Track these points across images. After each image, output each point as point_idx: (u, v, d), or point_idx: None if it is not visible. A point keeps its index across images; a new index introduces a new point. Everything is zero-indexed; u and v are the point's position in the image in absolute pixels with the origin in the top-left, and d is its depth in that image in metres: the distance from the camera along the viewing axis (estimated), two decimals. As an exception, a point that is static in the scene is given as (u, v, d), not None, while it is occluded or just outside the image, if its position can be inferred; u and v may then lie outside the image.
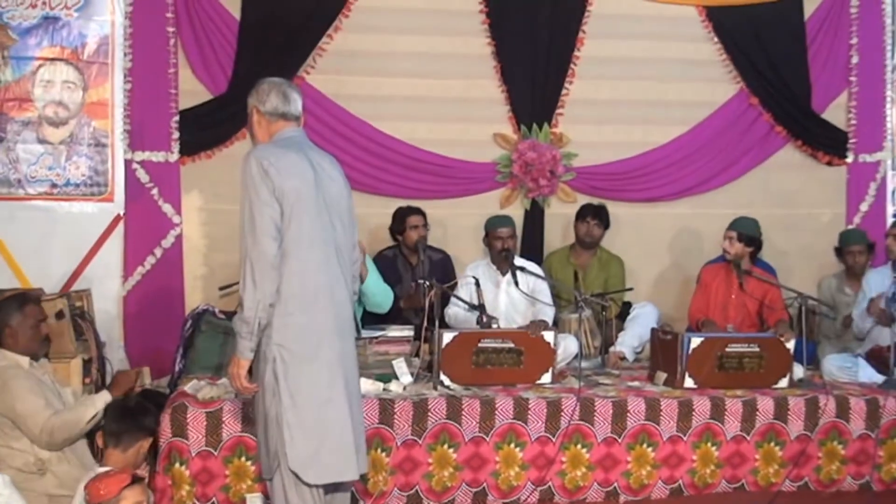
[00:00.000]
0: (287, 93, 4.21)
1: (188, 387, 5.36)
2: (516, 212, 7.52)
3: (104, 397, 4.95)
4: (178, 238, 7.13)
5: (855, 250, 7.11)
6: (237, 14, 7.15)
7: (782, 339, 5.90)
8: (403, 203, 7.17)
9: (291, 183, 3.93)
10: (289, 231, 3.92)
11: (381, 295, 6.21)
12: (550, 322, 6.23)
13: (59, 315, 5.85)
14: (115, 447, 4.50)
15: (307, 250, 3.98)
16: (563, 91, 7.59)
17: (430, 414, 5.26)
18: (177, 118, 7.08)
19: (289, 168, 3.96)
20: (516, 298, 6.56)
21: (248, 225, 3.87)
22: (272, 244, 3.86)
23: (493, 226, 6.70)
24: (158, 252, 7.07)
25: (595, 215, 7.19)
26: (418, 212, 7.02)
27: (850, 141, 7.89)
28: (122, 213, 7.04)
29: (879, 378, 6.07)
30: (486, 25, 7.47)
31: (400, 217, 7.02)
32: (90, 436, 4.91)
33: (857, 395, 5.76)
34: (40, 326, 5.07)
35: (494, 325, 6.05)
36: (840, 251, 7.23)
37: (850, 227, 7.76)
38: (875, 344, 6.35)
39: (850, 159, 7.90)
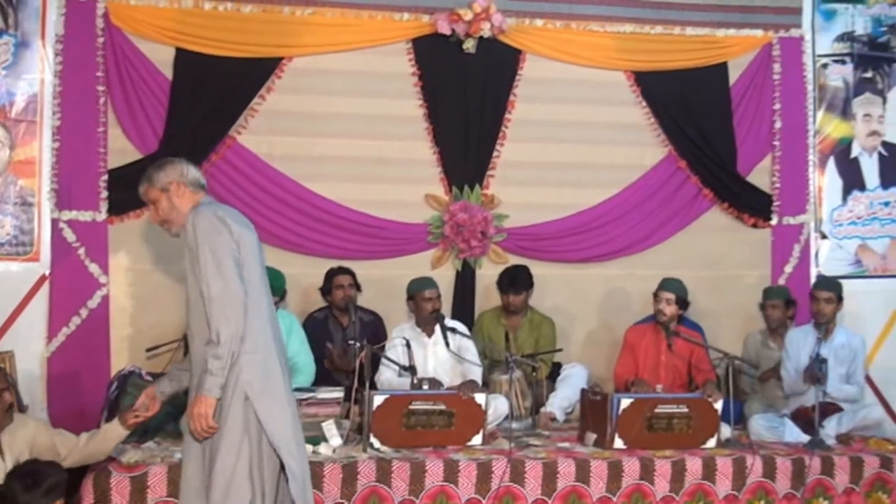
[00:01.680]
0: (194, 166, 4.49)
1: (112, 451, 5.26)
2: (447, 272, 7.56)
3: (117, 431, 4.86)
4: (105, 298, 7.02)
5: (770, 304, 7.24)
6: (169, 73, 7.14)
7: (710, 399, 5.98)
8: (335, 263, 7.16)
9: (243, 231, 4.19)
10: (243, 274, 4.11)
11: (303, 362, 6.26)
12: (479, 380, 6.25)
13: (-19, 377, 5.71)
14: None
15: (257, 294, 4.19)
16: (495, 153, 7.67)
17: (359, 476, 5.24)
18: (105, 177, 7.02)
19: (237, 217, 4.27)
20: (443, 359, 6.57)
21: (213, 269, 4.04)
22: (240, 284, 4.08)
23: (419, 288, 6.69)
24: (84, 312, 6.95)
25: (510, 286, 7.16)
26: (346, 271, 7.03)
27: (775, 204, 8.02)
28: (47, 272, 6.92)
29: (804, 438, 6.15)
30: (419, 88, 7.55)
31: (328, 276, 7.04)
32: None
33: (783, 455, 5.84)
34: (3, 395, 4.91)
35: (425, 387, 6.05)
36: (762, 307, 7.35)
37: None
38: (800, 405, 6.46)
39: (774, 222, 8.03)
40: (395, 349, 6.45)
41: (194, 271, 4.11)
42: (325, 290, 7.05)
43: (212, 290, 4.03)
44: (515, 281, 7.20)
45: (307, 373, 6.37)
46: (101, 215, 7.02)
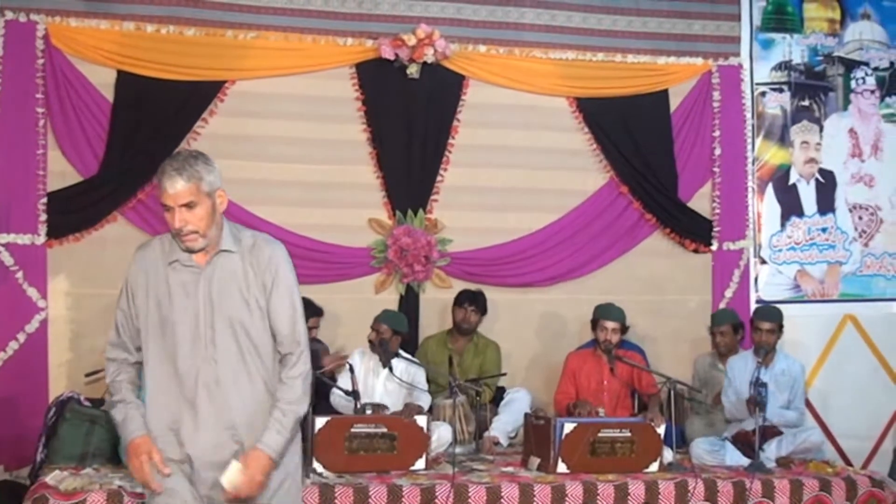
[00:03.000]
0: None
1: (49, 478, 5.20)
2: (391, 297, 7.56)
3: None
4: (43, 323, 6.91)
5: (719, 331, 7.30)
6: (110, 96, 7.09)
7: (652, 423, 6.03)
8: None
9: None
10: None
11: None
12: (426, 408, 6.26)
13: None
14: None
15: None
16: (438, 178, 7.70)
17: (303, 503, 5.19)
18: (45, 200, 6.93)
19: None
20: (392, 389, 6.59)
21: (300, 310, 3.66)
22: None
23: (377, 321, 6.73)
24: (22, 337, 6.84)
25: (472, 302, 7.25)
26: (317, 312, 7.01)
27: (715, 229, 8.11)
28: (-17, 296, 6.84)
29: (745, 461, 6.22)
30: (363, 112, 7.56)
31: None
32: None
33: (725, 478, 5.90)
34: None
35: (368, 411, 6.05)
36: (711, 331, 7.41)
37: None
38: (740, 428, 6.53)
39: (714, 247, 8.11)
40: (344, 374, 6.44)
41: (256, 303, 3.55)
42: None
43: (300, 330, 3.63)
44: (476, 298, 7.26)
45: None
46: (40, 238, 6.93)
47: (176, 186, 3.41)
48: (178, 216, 3.42)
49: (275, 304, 3.56)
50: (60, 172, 7.02)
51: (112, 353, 3.61)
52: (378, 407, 6.25)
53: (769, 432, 6.43)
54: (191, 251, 3.49)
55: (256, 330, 3.54)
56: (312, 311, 6.94)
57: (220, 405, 3.48)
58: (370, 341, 6.70)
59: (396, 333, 6.66)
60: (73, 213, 7.01)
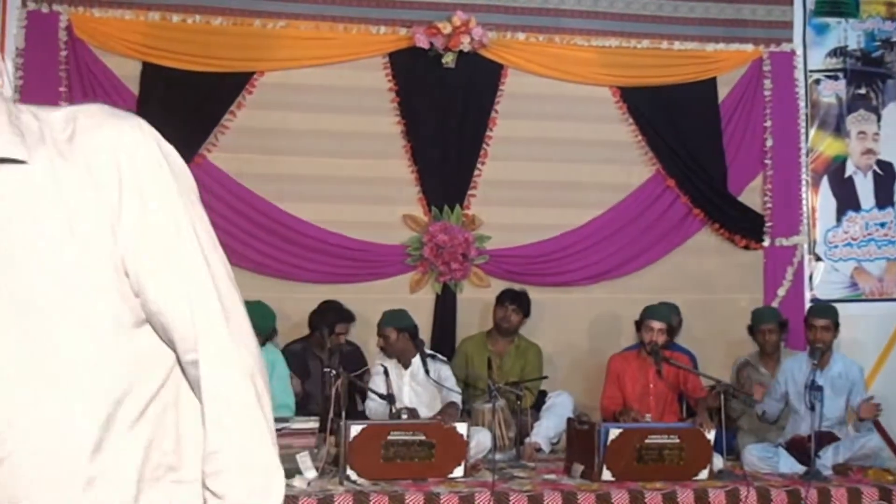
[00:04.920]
0: None
1: None
2: (427, 297, 7.57)
3: None
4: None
5: (765, 329, 7.23)
6: (135, 88, 7.14)
7: (702, 429, 5.98)
8: (308, 287, 7.16)
9: None
10: None
11: (283, 404, 6.24)
12: (459, 404, 6.26)
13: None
14: None
15: None
16: (476, 172, 7.69)
17: (336, 511, 5.21)
18: (67, 198, 6.96)
19: None
20: (420, 390, 6.59)
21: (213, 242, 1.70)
22: None
23: (379, 327, 6.71)
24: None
25: (514, 300, 7.23)
26: (345, 318, 6.94)
27: (767, 225, 8.06)
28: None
29: (800, 468, 6.16)
30: (396, 104, 7.57)
31: (326, 320, 6.84)
32: None
33: (779, 487, 5.84)
34: None
35: (404, 416, 6.05)
36: (752, 330, 7.36)
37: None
38: (795, 434, 6.48)
39: (766, 243, 8.07)
40: (376, 377, 6.46)
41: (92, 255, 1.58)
42: (318, 328, 6.85)
43: (220, 307, 1.67)
44: (519, 297, 7.25)
45: (288, 408, 6.31)
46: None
47: None
48: None
49: (142, 251, 1.60)
50: (84, 168, 7.04)
51: None
52: (411, 413, 6.24)
53: (825, 438, 6.36)
54: None
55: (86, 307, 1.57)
56: (342, 316, 6.94)
57: None
58: (381, 348, 6.70)
59: (402, 331, 6.60)
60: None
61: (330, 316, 6.90)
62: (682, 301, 7.40)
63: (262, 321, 6.05)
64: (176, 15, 7.22)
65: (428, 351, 6.65)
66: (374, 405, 6.48)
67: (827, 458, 6.27)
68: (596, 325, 7.90)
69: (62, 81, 7.02)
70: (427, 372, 6.47)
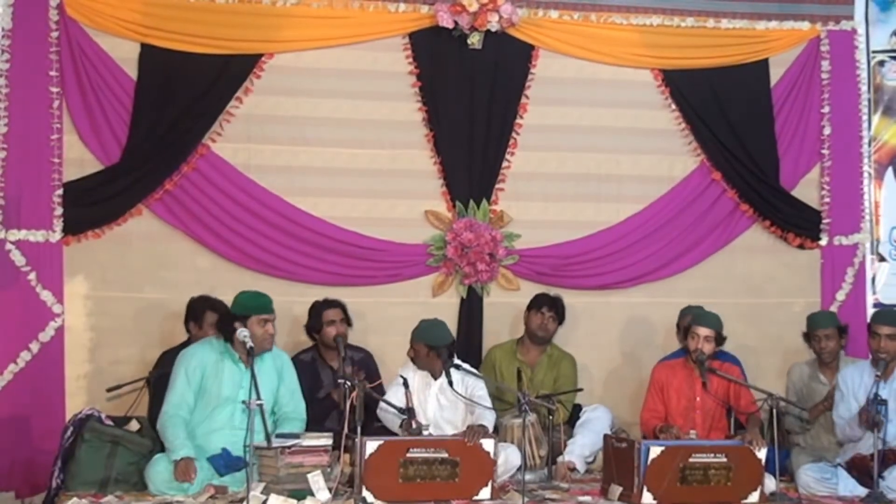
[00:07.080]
0: None
1: (66, 507, 5.19)
2: (451, 300, 7.54)
3: None
4: (59, 330, 6.94)
5: (822, 335, 7.12)
6: (133, 73, 7.12)
7: (752, 447, 5.92)
8: (321, 290, 7.12)
9: None
10: None
11: (294, 410, 6.21)
12: (491, 429, 6.18)
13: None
14: None
15: None
16: (504, 163, 7.66)
17: (350, 536, 5.19)
18: (60, 191, 6.96)
19: None
20: (447, 405, 6.51)
21: None
22: None
23: (412, 338, 6.61)
24: (35, 347, 6.86)
25: (551, 307, 7.21)
26: (335, 304, 6.94)
27: (824, 221, 8.02)
28: (-8, 300, 6.87)
29: (862, 491, 6.12)
30: (417, 89, 7.53)
31: (314, 312, 6.93)
32: None
33: (838, 511, 5.80)
34: None
35: (426, 433, 5.99)
36: (808, 337, 7.25)
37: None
38: (856, 452, 6.38)
39: (824, 242, 8.03)
40: (394, 389, 6.40)
41: None
42: (313, 327, 6.93)
43: None
44: (556, 303, 7.23)
45: (299, 420, 6.25)
46: (56, 235, 6.95)
47: None
48: None
49: None
50: (78, 160, 7.05)
51: None
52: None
53: (889, 457, 6.27)
54: None
55: None
56: (328, 304, 6.91)
57: None
58: (410, 358, 6.63)
59: (433, 349, 6.48)
60: (93, 205, 7.04)
61: (316, 306, 6.91)
62: (731, 306, 7.38)
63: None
64: (177, -8, 7.21)
65: (463, 365, 6.55)
66: (385, 415, 6.38)
67: (891, 480, 6.20)
68: (635, 333, 7.86)
69: (53, 65, 6.97)
70: (451, 383, 6.39)
